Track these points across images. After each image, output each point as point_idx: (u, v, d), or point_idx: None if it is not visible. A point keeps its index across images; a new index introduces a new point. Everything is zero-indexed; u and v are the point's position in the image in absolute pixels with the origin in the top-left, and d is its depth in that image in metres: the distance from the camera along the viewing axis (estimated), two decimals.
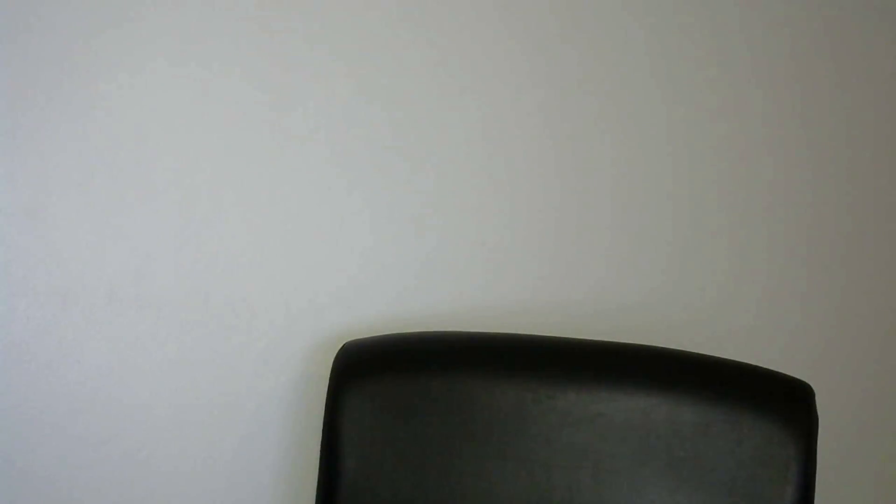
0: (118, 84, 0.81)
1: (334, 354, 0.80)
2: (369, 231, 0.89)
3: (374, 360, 0.79)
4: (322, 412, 0.79)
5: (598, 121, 0.95)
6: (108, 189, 0.82)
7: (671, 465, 0.73)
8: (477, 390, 0.76)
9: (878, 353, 1.04)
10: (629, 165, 0.96)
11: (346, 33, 0.86)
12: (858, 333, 1.05)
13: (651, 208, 0.95)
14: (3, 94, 0.78)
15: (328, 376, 0.78)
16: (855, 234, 1.04)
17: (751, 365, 0.79)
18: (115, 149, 0.82)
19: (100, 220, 0.83)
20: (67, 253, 0.82)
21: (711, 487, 0.73)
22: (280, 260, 0.87)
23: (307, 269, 0.88)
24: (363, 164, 0.88)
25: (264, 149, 0.85)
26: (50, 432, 0.82)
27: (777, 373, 0.79)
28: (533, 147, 0.93)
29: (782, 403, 0.76)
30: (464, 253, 0.91)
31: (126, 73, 0.81)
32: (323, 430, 0.77)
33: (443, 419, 0.75)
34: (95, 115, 0.81)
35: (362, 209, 0.89)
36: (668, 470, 0.73)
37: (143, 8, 0.80)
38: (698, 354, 0.81)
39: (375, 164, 0.88)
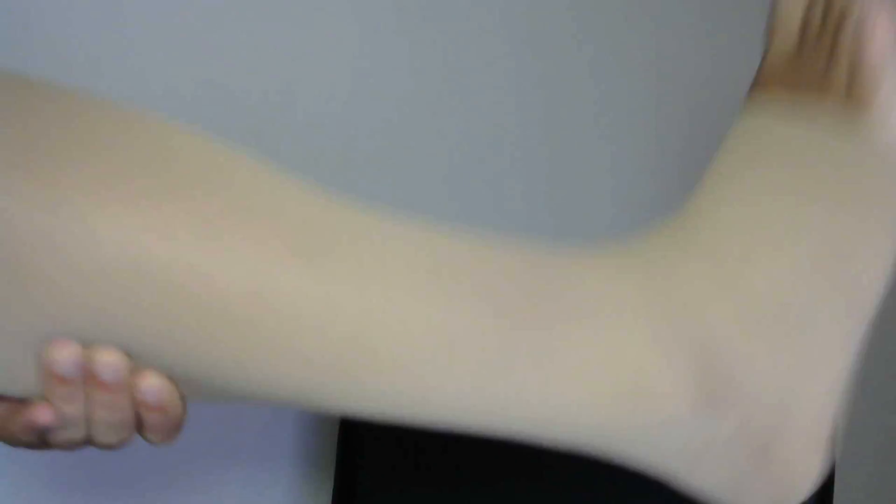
0: None
1: None
2: None
3: None
4: (336, 424, 0.79)
5: (602, 120, 0.95)
6: None
7: None
8: None
9: None
10: (635, 164, 0.95)
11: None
12: (880, 333, 1.04)
13: (662, 207, 0.95)
14: None
15: None
16: None
17: None
18: None
19: None
20: None
21: None
22: None
23: None
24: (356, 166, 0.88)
25: None
26: None
27: None
28: (530, 144, 0.93)
29: None
30: None
31: None
32: (337, 445, 0.77)
33: (457, 436, 0.75)
34: None
35: None
36: None
37: None
38: None
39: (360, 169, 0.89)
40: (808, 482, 0.45)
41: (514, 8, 0.90)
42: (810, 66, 0.44)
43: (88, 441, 0.40)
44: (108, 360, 0.36)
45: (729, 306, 0.41)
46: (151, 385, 0.38)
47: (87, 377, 0.37)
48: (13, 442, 0.39)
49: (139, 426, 0.40)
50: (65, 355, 0.36)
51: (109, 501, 0.82)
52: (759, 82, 0.47)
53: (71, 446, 0.40)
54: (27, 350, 0.36)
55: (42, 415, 0.37)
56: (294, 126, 0.85)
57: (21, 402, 0.38)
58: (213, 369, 0.38)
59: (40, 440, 0.39)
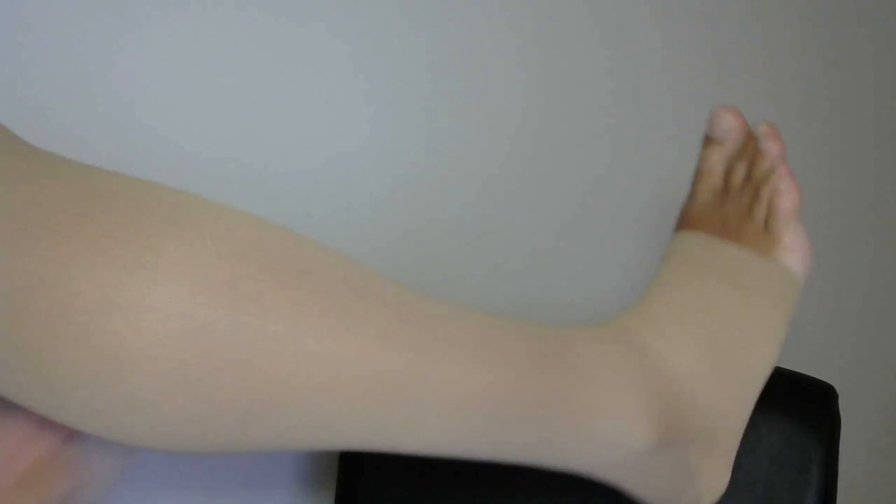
0: None
1: None
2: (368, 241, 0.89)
3: None
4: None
5: (619, 123, 0.94)
6: None
7: None
8: None
9: None
10: (646, 166, 0.95)
11: None
12: (884, 334, 1.04)
13: (668, 208, 0.95)
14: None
15: None
16: (880, 235, 1.03)
17: None
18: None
19: None
20: None
21: (729, 489, 0.72)
22: None
23: None
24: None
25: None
26: None
27: (799, 374, 0.78)
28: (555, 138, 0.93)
29: (804, 405, 0.75)
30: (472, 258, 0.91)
31: None
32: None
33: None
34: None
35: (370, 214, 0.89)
36: None
37: None
38: None
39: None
40: (721, 490, 0.60)
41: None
42: (734, 206, 0.61)
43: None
44: None
45: (683, 357, 0.56)
46: None
47: None
48: None
49: None
50: None
51: (110, 501, 0.83)
52: (688, 223, 0.63)
53: None
54: None
55: None
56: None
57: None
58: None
59: None
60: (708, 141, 0.64)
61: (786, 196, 0.60)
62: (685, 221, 0.64)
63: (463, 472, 0.74)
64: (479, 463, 0.73)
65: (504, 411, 0.49)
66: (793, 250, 0.60)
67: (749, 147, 0.62)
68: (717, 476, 0.60)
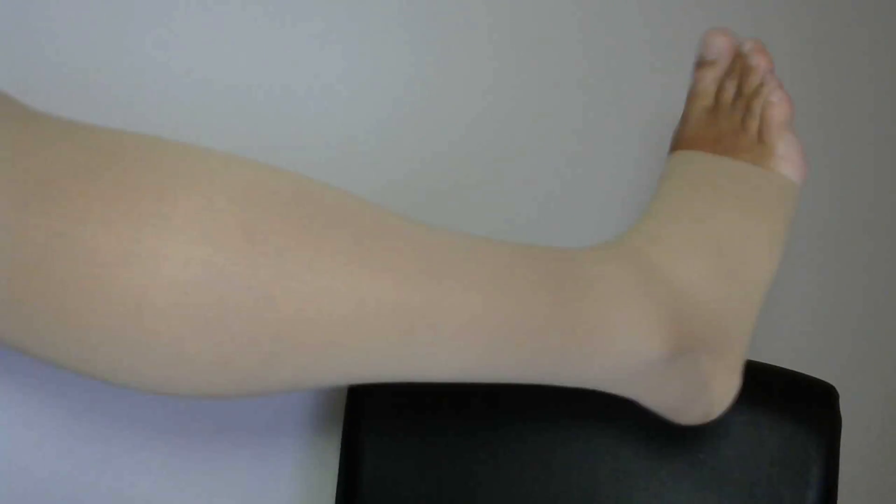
0: None
1: None
2: None
3: None
4: (341, 416, 0.79)
5: (623, 112, 0.94)
6: None
7: (691, 467, 0.73)
8: (498, 392, 0.76)
9: None
10: (645, 167, 0.95)
11: None
12: (884, 334, 1.04)
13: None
14: None
15: None
16: (881, 233, 1.03)
17: (773, 366, 0.78)
18: None
19: None
20: None
21: (731, 489, 0.72)
22: None
23: None
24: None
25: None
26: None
27: (800, 374, 0.78)
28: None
29: (805, 405, 0.75)
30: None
31: None
32: (343, 434, 0.78)
33: (463, 422, 0.75)
34: None
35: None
36: (688, 471, 0.73)
37: None
38: None
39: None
40: (732, 395, 0.61)
41: (510, 12, 0.89)
42: (727, 122, 0.62)
43: None
44: None
45: (688, 267, 0.57)
46: None
47: None
48: None
49: None
50: None
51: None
52: (682, 143, 0.64)
53: None
54: None
55: None
56: (292, 124, 0.85)
57: None
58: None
59: None
60: (700, 63, 0.65)
61: (777, 107, 0.60)
62: (679, 142, 0.65)
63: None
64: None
65: (519, 333, 0.50)
66: (787, 159, 0.60)
67: (737, 65, 0.63)
68: (728, 382, 0.60)
